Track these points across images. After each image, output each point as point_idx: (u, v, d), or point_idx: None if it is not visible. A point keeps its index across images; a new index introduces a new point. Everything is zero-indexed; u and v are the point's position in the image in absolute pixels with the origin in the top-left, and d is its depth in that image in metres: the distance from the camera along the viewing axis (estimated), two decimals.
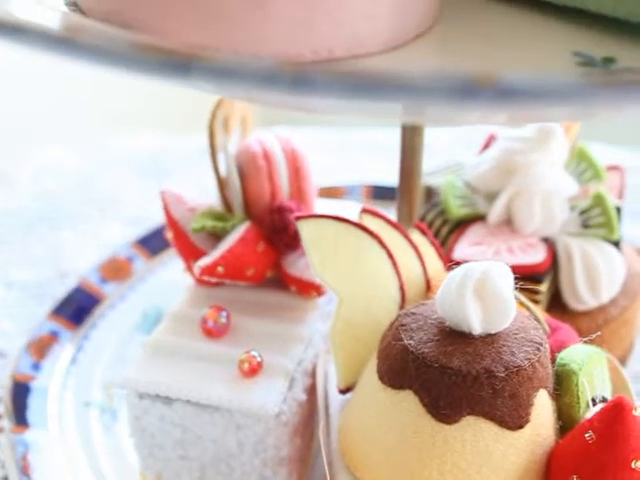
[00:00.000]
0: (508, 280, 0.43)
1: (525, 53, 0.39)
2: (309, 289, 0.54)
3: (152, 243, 0.71)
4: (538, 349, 0.40)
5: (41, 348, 0.62)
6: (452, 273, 0.43)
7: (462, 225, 0.58)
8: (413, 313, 0.45)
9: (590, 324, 0.56)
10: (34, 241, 0.79)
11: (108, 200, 0.86)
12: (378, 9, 0.37)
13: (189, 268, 0.55)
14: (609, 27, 0.39)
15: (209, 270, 0.52)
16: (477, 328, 0.40)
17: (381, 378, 0.42)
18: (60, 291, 0.69)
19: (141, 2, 0.37)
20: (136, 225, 0.81)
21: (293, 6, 0.35)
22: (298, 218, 0.46)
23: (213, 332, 0.52)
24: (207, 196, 0.56)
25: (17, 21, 0.29)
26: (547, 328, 0.49)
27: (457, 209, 0.59)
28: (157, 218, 0.71)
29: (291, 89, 0.27)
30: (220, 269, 0.53)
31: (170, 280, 0.67)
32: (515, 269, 0.41)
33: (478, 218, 0.58)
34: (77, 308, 0.66)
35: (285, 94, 0.27)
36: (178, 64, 0.28)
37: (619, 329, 0.58)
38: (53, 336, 0.63)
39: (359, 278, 0.46)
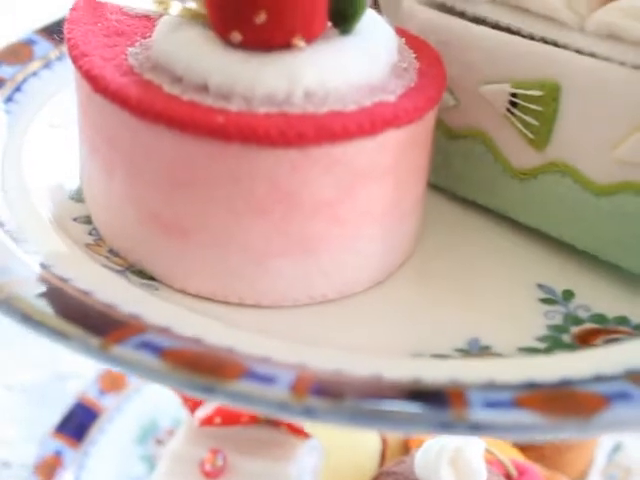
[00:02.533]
0: (479, 452, 0.49)
1: (493, 284, 0.44)
2: (299, 432, 0.59)
3: None
4: None
5: (47, 472, 0.66)
6: (430, 443, 0.49)
7: None
8: (394, 472, 0.51)
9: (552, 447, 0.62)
10: (32, 342, 0.82)
11: None
12: (367, 260, 0.42)
13: None
14: (572, 257, 0.45)
15: (208, 421, 0.58)
16: None
17: None
18: (60, 398, 0.73)
19: (156, 256, 0.42)
20: None
21: (290, 265, 0.40)
22: None
23: (211, 474, 0.57)
24: None
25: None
26: (514, 472, 0.55)
27: None
28: None
29: (300, 414, 0.32)
30: (217, 420, 0.58)
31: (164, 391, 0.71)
32: None
33: None
34: (78, 424, 0.70)
35: (295, 417, 0.32)
36: (203, 386, 0.33)
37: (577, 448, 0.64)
38: (58, 457, 0.67)
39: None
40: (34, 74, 0.57)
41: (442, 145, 0.47)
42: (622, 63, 0.40)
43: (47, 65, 0.58)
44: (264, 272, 0.40)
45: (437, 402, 0.32)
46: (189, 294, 0.42)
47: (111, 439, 0.71)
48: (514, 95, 0.44)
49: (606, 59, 0.41)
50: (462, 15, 0.46)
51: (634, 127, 0.40)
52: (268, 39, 0.37)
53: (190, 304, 0.41)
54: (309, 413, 0.32)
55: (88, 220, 0.46)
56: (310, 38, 0.38)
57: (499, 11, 0.45)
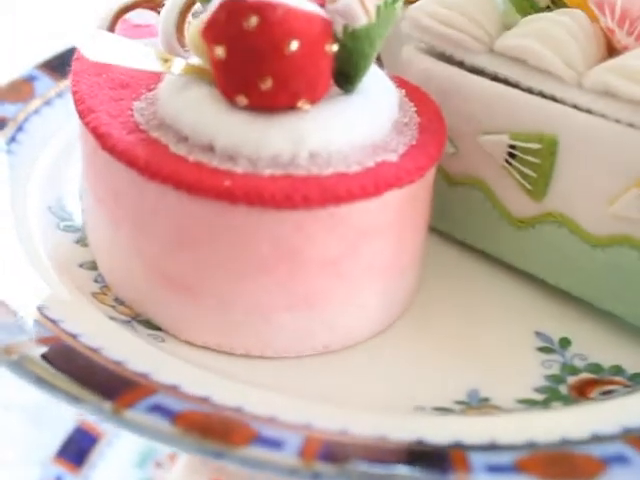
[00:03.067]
0: None
1: (492, 332, 0.45)
2: None
3: None
4: None
5: None
6: None
7: None
8: None
9: None
10: None
11: None
12: (368, 312, 0.43)
13: None
14: (569, 303, 0.46)
15: None
16: None
17: None
18: (59, 419, 0.74)
19: (162, 309, 0.42)
20: None
21: (295, 319, 0.41)
22: None
23: None
24: None
25: None
26: None
27: None
28: None
29: (309, 478, 0.33)
30: None
31: None
32: None
33: None
34: (78, 449, 0.71)
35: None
36: (213, 452, 0.34)
37: None
38: None
39: None
40: (36, 112, 0.58)
41: (441, 190, 0.48)
42: (618, 120, 0.41)
43: (48, 102, 0.59)
44: (269, 326, 0.41)
45: (440, 466, 0.33)
46: (195, 345, 0.42)
47: (111, 463, 0.72)
48: (512, 147, 0.45)
49: (602, 116, 0.42)
50: (461, 65, 0.47)
51: (630, 184, 0.41)
52: (273, 103, 0.38)
53: (197, 357, 0.41)
54: (317, 477, 0.33)
55: (94, 266, 0.47)
56: (314, 100, 0.39)
57: (497, 62, 0.45)
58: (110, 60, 0.39)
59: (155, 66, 0.41)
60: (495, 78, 0.46)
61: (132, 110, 0.42)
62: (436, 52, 0.48)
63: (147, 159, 0.39)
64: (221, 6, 0.36)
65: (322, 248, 0.39)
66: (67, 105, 0.58)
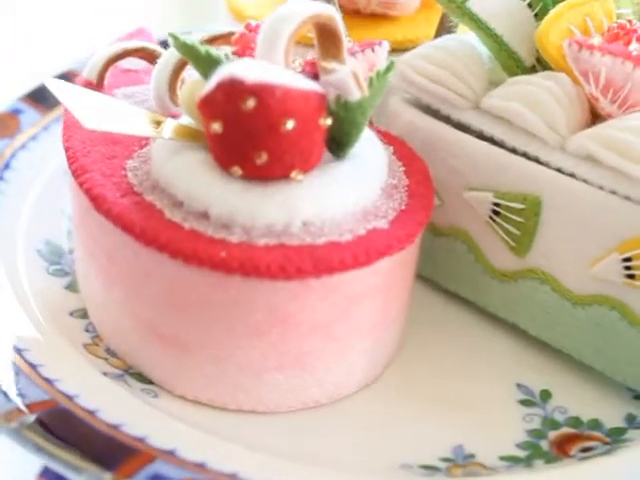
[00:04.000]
0: None
1: (475, 385, 0.46)
2: None
3: None
4: None
5: None
6: None
7: None
8: None
9: None
10: None
11: None
12: (357, 368, 0.44)
13: None
14: (550, 355, 0.47)
15: None
16: None
17: None
18: None
19: (155, 364, 0.43)
20: None
21: (286, 378, 0.42)
22: None
23: None
24: None
25: None
26: None
27: None
28: None
29: None
30: None
31: None
32: None
33: None
34: None
35: None
36: None
37: None
38: None
39: None
40: (22, 147, 0.58)
41: (427, 239, 0.49)
42: (600, 187, 0.42)
43: (34, 137, 0.59)
44: (261, 384, 0.42)
45: None
46: (188, 400, 0.43)
47: None
48: (497, 204, 0.46)
49: (585, 181, 0.43)
50: (447, 119, 0.48)
51: (610, 248, 0.42)
52: (268, 174, 0.39)
53: (190, 413, 0.43)
54: None
55: (84, 314, 0.48)
56: (307, 170, 0.40)
57: (483, 120, 0.46)
58: (105, 128, 0.40)
59: (148, 131, 0.41)
60: (480, 135, 0.46)
61: (125, 170, 0.43)
62: (422, 105, 0.49)
63: (143, 226, 0.39)
64: (219, 86, 0.36)
65: (314, 314, 0.40)
66: (54, 138, 0.59)
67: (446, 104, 0.47)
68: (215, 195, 0.39)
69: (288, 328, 0.40)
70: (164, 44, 0.62)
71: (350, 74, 0.38)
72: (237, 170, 0.39)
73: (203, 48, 0.39)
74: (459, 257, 0.49)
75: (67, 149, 0.44)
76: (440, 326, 0.49)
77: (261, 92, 0.36)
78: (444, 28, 0.51)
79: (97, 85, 0.49)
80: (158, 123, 0.42)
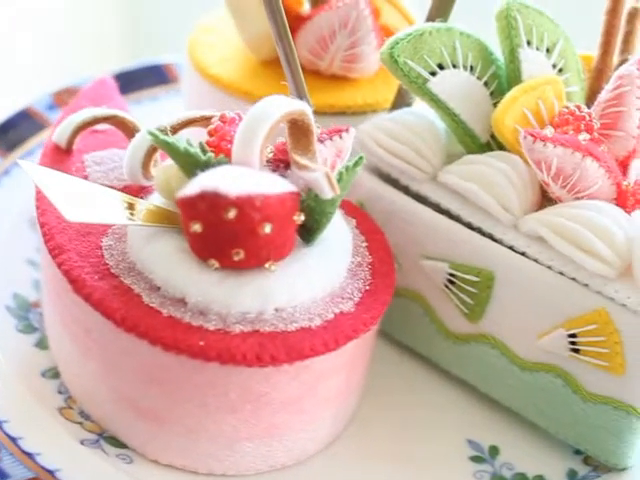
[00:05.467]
0: None
1: (429, 443, 0.50)
2: None
3: None
4: None
5: None
6: None
7: None
8: None
9: None
10: None
11: None
12: (321, 433, 0.47)
13: None
14: (499, 411, 0.51)
15: None
16: None
17: None
18: None
19: (129, 432, 0.46)
20: None
21: (256, 446, 0.45)
22: None
23: None
24: None
25: None
26: None
27: None
28: None
29: None
30: None
31: None
32: None
33: None
34: None
35: None
36: None
37: None
38: None
39: None
40: None
41: None
42: (549, 267, 0.46)
43: None
44: (232, 452, 0.45)
45: None
46: (161, 464, 0.46)
47: None
48: (452, 275, 0.49)
49: (536, 260, 0.46)
50: (406, 189, 0.51)
51: (557, 324, 0.46)
52: (243, 266, 0.41)
53: (164, 478, 0.45)
54: None
55: (56, 373, 0.50)
56: (280, 259, 0.42)
57: (440, 193, 0.49)
58: (86, 220, 0.41)
59: (124, 219, 0.43)
60: (437, 207, 0.49)
61: (101, 249, 0.44)
62: (382, 173, 0.51)
63: (123, 313, 0.41)
64: (202, 196, 0.38)
65: (285, 392, 0.43)
66: (15, 182, 0.59)
67: (405, 175, 0.50)
68: (192, 284, 0.41)
69: (260, 405, 0.43)
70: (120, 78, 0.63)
71: (324, 176, 0.41)
72: (214, 263, 0.41)
73: (182, 145, 0.41)
74: (415, 317, 0.52)
75: (42, 225, 0.45)
76: (395, 380, 0.52)
77: (242, 204, 0.38)
78: (402, 93, 0.53)
79: (66, 151, 0.50)
80: (131, 205, 0.44)
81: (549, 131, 0.46)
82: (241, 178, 0.39)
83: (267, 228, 0.39)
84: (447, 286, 0.49)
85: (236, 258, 0.40)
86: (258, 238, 0.40)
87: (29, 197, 0.57)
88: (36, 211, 0.47)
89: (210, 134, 0.43)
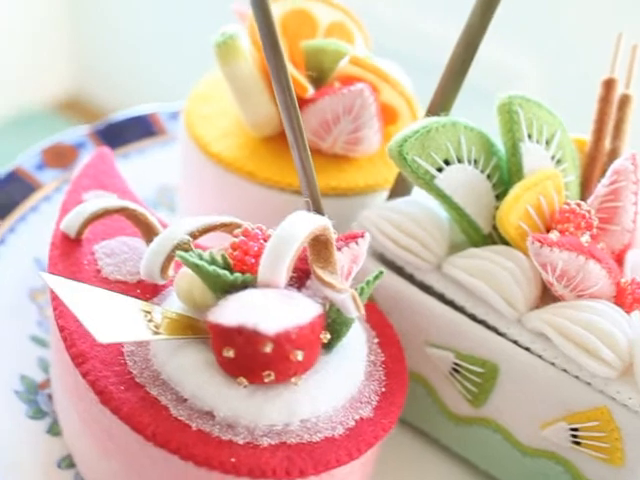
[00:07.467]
0: None
1: None
2: None
3: None
4: None
5: None
6: None
7: None
8: None
9: None
10: None
11: None
12: None
13: None
14: None
15: None
16: None
17: None
18: None
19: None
20: None
21: None
22: None
23: None
24: None
25: None
26: None
27: None
28: None
29: None
30: None
31: None
32: None
33: None
34: None
35: None
36: None
37: None
38: None
39: None
40: None
41: None
42: (552, 363, 0.48)
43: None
44: None
45: None
46: None
47: None
48: (457, 364, 0.51)
49: (539, 356, 0.48)
50: (411, 277, 0.52)
51: (559, 417, 0.48)
52: (271, 384, 0.43)
53: None
54: None
55: (71, 463, 0.50)
56: (304, 373, 0.44)
57: (445, 283, 0.51)
58: (117, 340, 0.42)
59: (148, 334, 0.43)
60: (442, 297, 0.51)
61: (123, 355, 0.45)
62: (387, 260, 0.53)
63: (153, 429, 0.42)
64: (239, 331, 0.39)
65: None
66: (11, 252, 0.59)
67: (410, 265, 0.52)
68: (221, 399, 0.43)
69: None
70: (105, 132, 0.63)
71: (350, 298, 0.42)
72: (243, 381, 0.42)
73: (210, 267, 0.42)
74: (418, 397, 0.54)
75: (62, 328, 0.46)
76: (399, 459, 0.54)
77: (279, 339, 0.39)
78: (402, 177, 0.55)
79: (75, 240, 0.51)
80: (148, 312, 0.45)
81: (554, 235, 0.48)
82: (275, 309, 0.40)
83: (299, 356, 0.41)
84: (452, 374, 0.52)
85: (267, 380, 0.42)
86: (290, 364, 0.41)
87: (26, 266, 0.58)
88: (53, 312, 0.47)
89: (233, 248, 0.44)
